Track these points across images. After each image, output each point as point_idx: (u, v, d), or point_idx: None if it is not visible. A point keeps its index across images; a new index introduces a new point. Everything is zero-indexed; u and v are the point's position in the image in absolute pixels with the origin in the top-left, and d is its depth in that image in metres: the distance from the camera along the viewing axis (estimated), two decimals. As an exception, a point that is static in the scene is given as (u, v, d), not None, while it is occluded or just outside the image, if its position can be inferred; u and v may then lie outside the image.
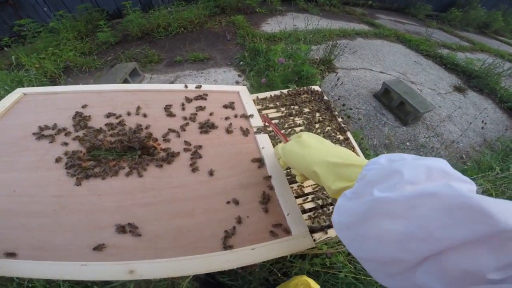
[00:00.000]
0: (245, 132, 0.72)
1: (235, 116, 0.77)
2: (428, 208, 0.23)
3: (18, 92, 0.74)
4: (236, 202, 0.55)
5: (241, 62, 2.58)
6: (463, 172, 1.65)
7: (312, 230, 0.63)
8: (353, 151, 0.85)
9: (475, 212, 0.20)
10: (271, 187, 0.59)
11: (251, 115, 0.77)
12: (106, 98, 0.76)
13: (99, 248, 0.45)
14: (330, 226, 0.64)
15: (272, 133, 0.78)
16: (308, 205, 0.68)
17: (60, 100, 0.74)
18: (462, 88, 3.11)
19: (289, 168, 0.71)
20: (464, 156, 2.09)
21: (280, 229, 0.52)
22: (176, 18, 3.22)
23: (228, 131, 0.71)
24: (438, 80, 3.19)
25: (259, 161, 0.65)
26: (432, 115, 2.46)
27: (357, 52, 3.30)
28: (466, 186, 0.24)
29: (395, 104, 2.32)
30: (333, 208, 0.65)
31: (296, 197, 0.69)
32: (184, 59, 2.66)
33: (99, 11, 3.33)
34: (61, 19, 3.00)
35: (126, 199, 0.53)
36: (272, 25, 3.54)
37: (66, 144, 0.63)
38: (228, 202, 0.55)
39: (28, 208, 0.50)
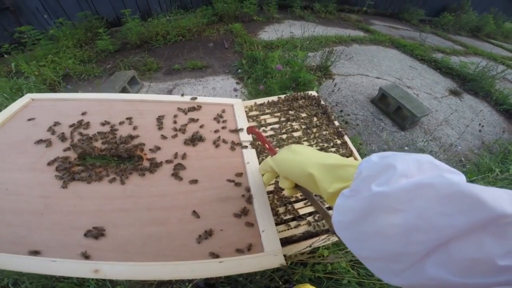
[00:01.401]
0: (232, 147, 0.73)
1: (224, 128, 0.78)
2: (425, 199, 0.23)
3: (27, 97, 0.80)
4: (212, 215, 0.56)
5: (239, 70, 2.61)
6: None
7: (312, 235, 0.64)
8: (351, 154, 0.86)
9: (469, 199, 0.21)
10: (250, 203, 0.59)
11: (241, 129, 0.78)
12: (105, 106, 0.80)
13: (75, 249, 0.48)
14: (329, 230, 0.64)
15: (260, 148, 0.78)
16: (308, 209, 0.68)
17: (64, 107, 0.80)
18: (457, 91, 3.15)
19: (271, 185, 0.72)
20: (463, 159, 2.10)
21: (252, 245, 0.52)
22: (175, 27, 3.27)
23: (216, 144, 0.73)
24: (433, 84, 3.23)
25: (242, 176, 0.65)
26: (430, 119, 2.48)
27: (353, 58, 3.35)
28: (457, 177, 0.25)
29: (392, 109, 2.34)
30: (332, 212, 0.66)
31: (295, 202, 0.70)
32: (182, 67, 2.68)
33: (99, 19, 3.37)
34: (60, 26, 3.02)
35: (106, 204, 0.56)
36: (269, 33, 3.59)
37: (61, 149, 0.67)
38: (199, 216, 0.55)
39: (15, 205, 0.53)
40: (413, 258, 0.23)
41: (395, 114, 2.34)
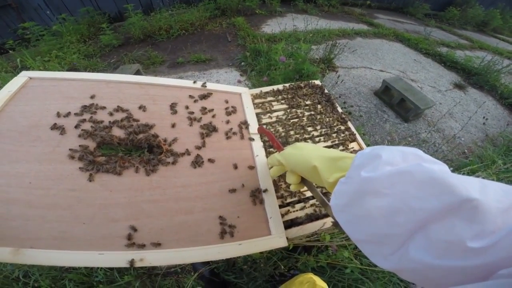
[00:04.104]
0: (242, 139, 0.76)
1: (234, 119, 0.80)
2: (404, 184, 0.26)
3: (24, 76, 0.72)
4: (229, 204, 0.61)
5: (243, 63, 2.61)
6: (465, 165, 1.66)
7: (317, 217, 0.68)
8: (354, 139, 0.88)
9: (441, 185, 0.24)
10: (260, 193, 0.64)
11: (249, 124, 0.80)
12: (114, 89, 0.77)
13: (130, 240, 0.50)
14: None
15: (268, 143, 0.80)
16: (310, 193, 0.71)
17: (68, 88, 0.73)
18: (462, 85, 3.12)
19: (278, 177, 0.75)
20: (466, 151, 2.10)
21: (262, 230, 0.59)
22: (178, 21, 3.26)
23: (227, 136, 0.75)
24: (438, 77, 3.21)
25: (252, 169, 0.69)
26: (433, 111, 2.47)
27: (356, 51, 3.32)
28: (437, 166, 0.27)
29: (396, 101, 2.33)
30: None
31: None
32: (186, 60, 2.69)
33: (101, 14, 3.37)
34: (63, 22, 3.02)
35: (136, 196, 0.57)
36: (272, 26, 3.58)
37: (76, 136, 0.64)
38: (223, 203, 0.61)
39: (45, 200, 0.52)
40: (398, 241, 0.26)
41: (398, 106, 2.34)
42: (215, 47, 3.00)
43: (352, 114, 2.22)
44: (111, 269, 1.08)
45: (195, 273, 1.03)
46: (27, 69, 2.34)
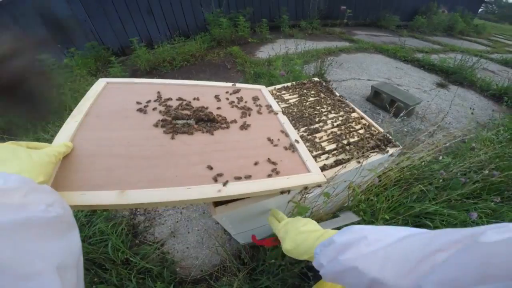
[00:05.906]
0: (269, 114, 1.02)
1: (261, 104, 1.07)
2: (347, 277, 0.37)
3: (103, 81, 0.93)
4: (274, 152, 0.82)
5: (244, 84, 2.86)
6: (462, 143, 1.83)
7: (341, 162, 0.90)
8: (354, 110, 1.17)
9: (353, 271, 0.34)
10: (294, 145, 0.86)
11: (271, 105, 1.07)
12: (172, 89, 0.99)
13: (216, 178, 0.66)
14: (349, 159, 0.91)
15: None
16: (332, 146, 0.97)
17: (139, 89, 0.95)
18: (444, 84, 3.43)
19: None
20: (461, 133, 2.27)
21: (302, 169, 0.79)
22: (179, 53, 3.58)
23: (259, 112, 1.00)
24: (420, 80, 3.52)
25: (283, 132, 0.92)
26: (423, 108, 2.70)
27: (343, 66, 3.66)
28: (349, 254, 0.38)
29: (387, 103, 2.56)
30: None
31: (322, 142, 0.99)
32: (192, 87, 2.92)
33: (105, 49, 3.63)
34: (72, 56, 3.22)
35: (206, 147, 0.75)
36: (265, 52, 3.94)
37: (156, 114, 0.84)
38: (268, 152, 0.83)
39: (141, 153, 0.66)
40: None
41: (389, 107, 2.56)
42: (217, 74, 3.28)
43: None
44: (143, 278, 1.13)
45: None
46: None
